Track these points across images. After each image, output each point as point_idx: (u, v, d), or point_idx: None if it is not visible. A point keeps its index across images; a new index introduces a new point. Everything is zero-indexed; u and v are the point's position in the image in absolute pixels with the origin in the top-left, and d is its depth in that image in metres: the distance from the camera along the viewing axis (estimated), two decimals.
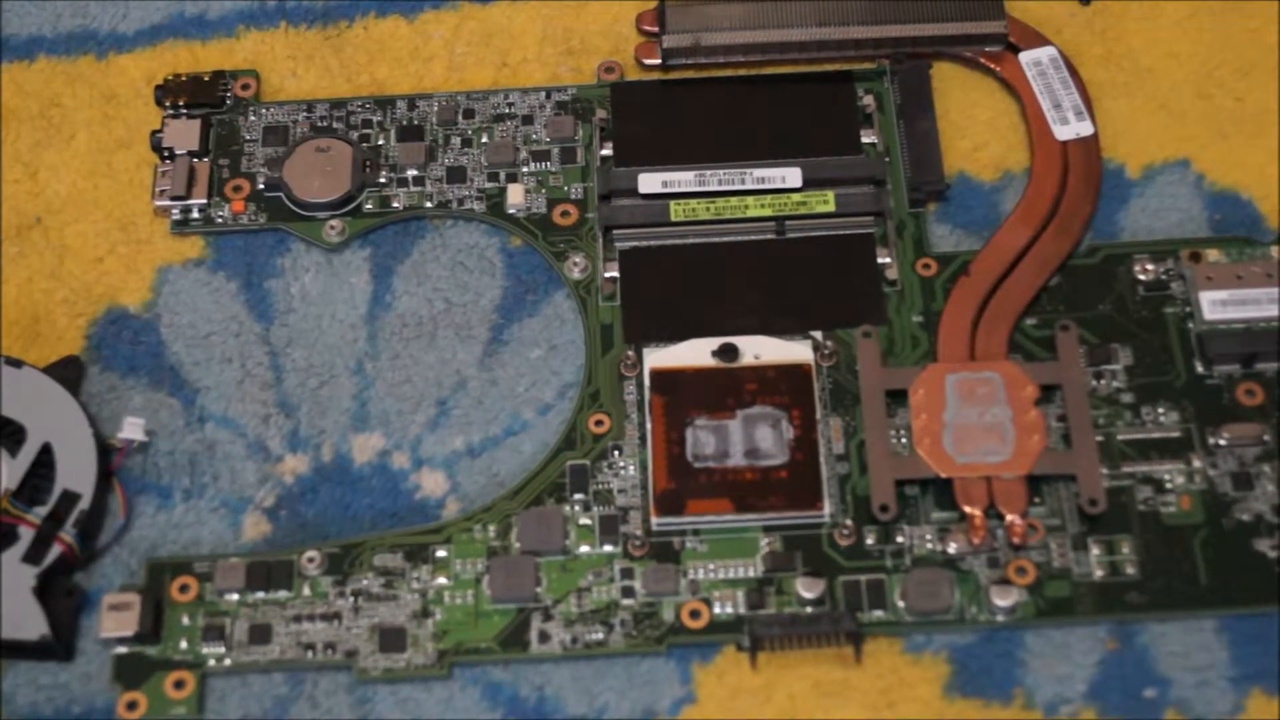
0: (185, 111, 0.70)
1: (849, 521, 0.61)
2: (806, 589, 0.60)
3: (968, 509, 0.60)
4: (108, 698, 0.60)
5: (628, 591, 0.60)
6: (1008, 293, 0.65)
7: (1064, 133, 0.68)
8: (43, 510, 0.61)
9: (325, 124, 0.70)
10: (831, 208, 0.67)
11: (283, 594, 0.61)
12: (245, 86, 0.71)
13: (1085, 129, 0.69)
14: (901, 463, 0.61)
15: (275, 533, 0.63)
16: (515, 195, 0.68)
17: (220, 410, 0.65)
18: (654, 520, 0.61)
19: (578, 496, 0.62)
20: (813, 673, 0.59)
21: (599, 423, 0.64)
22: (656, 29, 0.71)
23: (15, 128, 0.71)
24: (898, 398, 0.63)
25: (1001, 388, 0.62)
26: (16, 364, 0.64)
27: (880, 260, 0.66)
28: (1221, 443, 0.62)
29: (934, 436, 0.61)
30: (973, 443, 0.61)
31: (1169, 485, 0.62)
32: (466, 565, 0.61)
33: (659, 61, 0.71)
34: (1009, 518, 0.60)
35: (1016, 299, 0.65)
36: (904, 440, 0.62)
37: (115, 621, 0.60)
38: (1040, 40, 0.71)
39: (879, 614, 0.60)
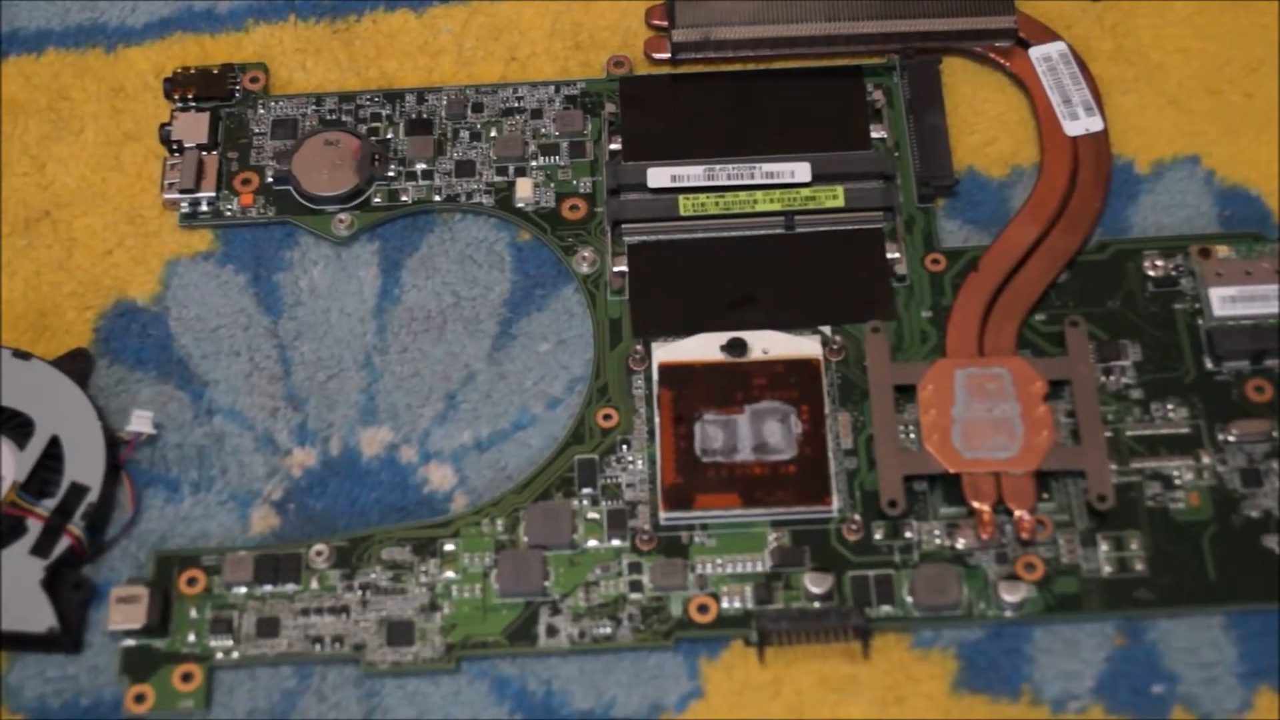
0: (194, 104, 0.71)
1: (857, 516, 0.61)
2: (814, 584, 0.60)
3: (976, 504, 0.60)
4: (115, 690, 0.60)
5: (635, 586, 0.60)
6: (1017, 289, 0.65)
7: (1074, 128, 0.68)
8: (51, 503, 0.61)
9: (334, 117, 0.70)
10: (840, 203, 0.67)
11: (290, 587, 0.61)
12: (254, 80, 0.71)
13: (1095, 124, 0.68)
14: (910, 458, 0.61)
15: (283, 526, 0.63)
16: (524, 189, 0.68)
17: (228, 403, 0.65)
18: (662, 515, 0.61)
19: (586, 491, 0.62)
20: (820, 668, 0.59)
21: (607, 417, 0.64)
22: (666, 23, 0.71)
23: (24, 120, 0.71)
24: (907, 393, 0.63)
25: (1010, 383, 0.62)
26: (25, 356, 0.64)
27: (889, 255, 0.66)
28: (1230, 439, 0.62)
29: (943, 432, 0.61)
30: (981, 438, 0.61)
31: (1178, 481, 0.61)
32: (474, 559, 0.61)
33: (668, 56, 0.71)
34: (1017, 513, 0.60)
35: (1025, 295, 0.65)
36: (913, 436, 0.62)
37: (123, 614, 0.60)
38: (1050, 35, 0.71)
39: (887, 609, 0.60)
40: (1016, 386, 0.62)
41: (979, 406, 0.62)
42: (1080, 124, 0.68)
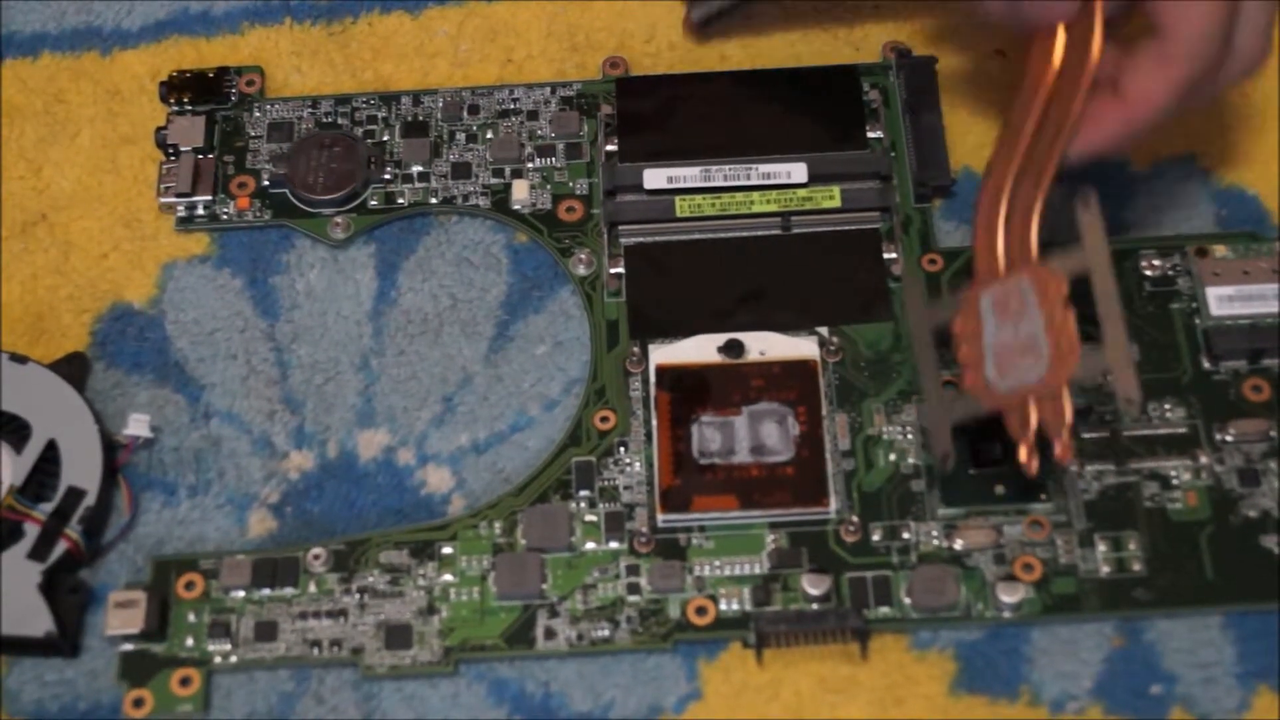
0: (190, 108, 0.70)
1: (855, 518, 0.61)
2: (812, 585, 0.60)
3: (1020, 442, 0.57)
4: (113, 695, 0.60)
5: (633, 588, 0.60)
6: (1023, 183, 0.61)
7: None
8: (48, 507, 0.61)
9: (330, 120, 0.70)
10: (837, 203, 0.67)
11: (288, 591, 0.61)
12: (250, 83, 0.71)
13: None
14: (955, 404, 0.59)
15: (281, 529, 0.63)
16: (520, 191, 0.68)
17: (225, 406, 0.65)
18: (660, 517, 0.61)
19: (583, 493, 0.62)
20: (819, 669, 0.59)
21: (604, 419, 0.63)
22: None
23: (20, 124, 0.71)
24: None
25: (1031, 293, 0.58)
26: (22, 360, 0.64)
27: (886, 256, 0.66)
28: (1228, 439, 0.62)
29: (975, 366, 0.59)
30: (1011, 362, 0.58)
31: (1175, 481, 0.61)
32: (472, 562, 0.61)
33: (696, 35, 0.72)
34: (1056, 444, 0.57)
35: (1033, 185, 0.60)
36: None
37: (121, 619, 0.60)
38: None
39: (885, 610, 0.60)
40: (1037, 294, 0.58)
41: (1006, 328, 0.59)
42: None
